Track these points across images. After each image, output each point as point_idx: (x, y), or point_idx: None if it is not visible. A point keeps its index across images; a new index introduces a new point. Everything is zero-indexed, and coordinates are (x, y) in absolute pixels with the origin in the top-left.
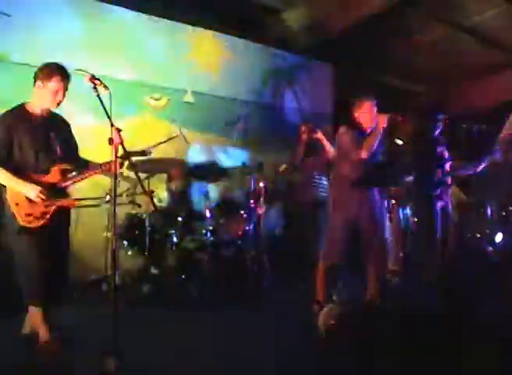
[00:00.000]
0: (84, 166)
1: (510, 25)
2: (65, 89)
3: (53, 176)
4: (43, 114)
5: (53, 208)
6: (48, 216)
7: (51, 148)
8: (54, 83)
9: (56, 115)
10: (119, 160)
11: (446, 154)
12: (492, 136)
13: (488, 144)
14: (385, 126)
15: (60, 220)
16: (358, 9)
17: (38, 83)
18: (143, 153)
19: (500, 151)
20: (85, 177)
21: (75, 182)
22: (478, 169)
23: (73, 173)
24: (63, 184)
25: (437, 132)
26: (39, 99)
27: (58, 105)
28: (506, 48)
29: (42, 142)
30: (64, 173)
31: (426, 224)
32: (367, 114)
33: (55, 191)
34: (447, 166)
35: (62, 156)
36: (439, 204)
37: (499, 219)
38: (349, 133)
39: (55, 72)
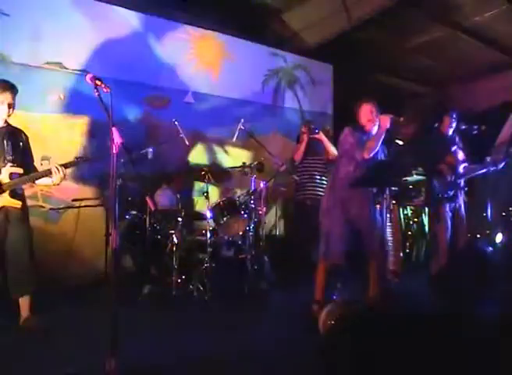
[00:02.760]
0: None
1: (510, 25)
2: (11, 101)
3: (3, 177)
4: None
5: None
6: None
7: (4, 153)
8: None
9: (14, 127)
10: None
11: (461, 154)
12: (492, 136)
13: (487, 145)
14: (388, 126)
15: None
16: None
17: None
18: (76, 162)
19: (500, 151)
20: (29, 181)
21: (19, 184)
22: (492, 170)
23: (22, 177)
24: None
25: (451, 131)
26: None
27: (9, 116)
28: (506, 48)
29: None
30: (11, 176)
31: (437, 226)
32: (368, 115)
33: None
34: (461, 168)
35: (14, 161)
36: (452, 206)
37: (499, 219)
38: (353, 134)
39: None
